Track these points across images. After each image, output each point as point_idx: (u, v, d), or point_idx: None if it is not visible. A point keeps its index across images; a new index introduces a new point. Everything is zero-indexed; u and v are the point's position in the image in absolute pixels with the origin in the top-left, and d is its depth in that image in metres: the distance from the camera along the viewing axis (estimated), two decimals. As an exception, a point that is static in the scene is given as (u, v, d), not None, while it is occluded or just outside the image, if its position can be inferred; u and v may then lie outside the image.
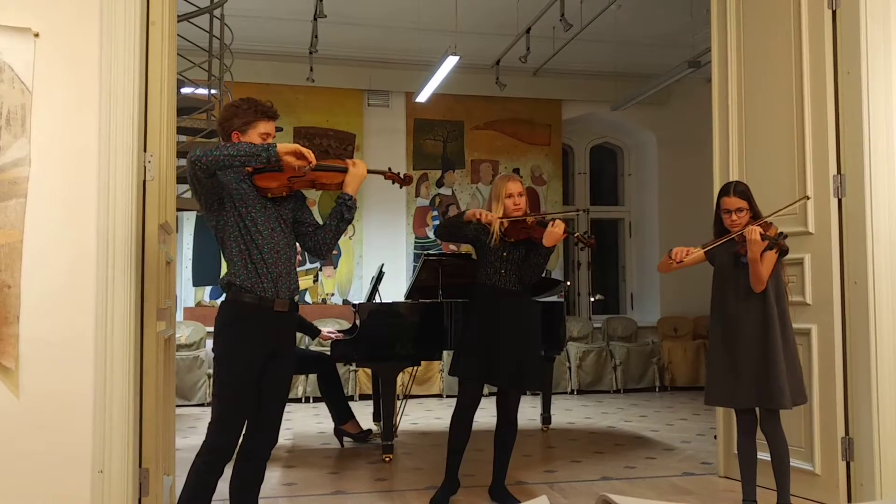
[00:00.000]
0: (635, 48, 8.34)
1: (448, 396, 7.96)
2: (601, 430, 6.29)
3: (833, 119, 3.85)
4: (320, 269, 8.52)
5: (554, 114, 9.26)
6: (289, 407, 4.02)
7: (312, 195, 7.82)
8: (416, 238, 8.82)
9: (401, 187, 3.31)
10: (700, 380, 8.41)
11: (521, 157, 9.14)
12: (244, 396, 2.82)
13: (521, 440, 4.25)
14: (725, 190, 3.52)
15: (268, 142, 2.87)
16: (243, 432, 2.90)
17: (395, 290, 7.07)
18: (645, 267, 9.71)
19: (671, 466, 4.84)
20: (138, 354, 3.05)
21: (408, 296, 5.54)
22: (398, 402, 5.65)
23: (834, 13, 3.87)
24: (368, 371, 7.38)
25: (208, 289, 8.35)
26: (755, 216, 3.45)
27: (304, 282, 8.39)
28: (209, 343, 7.79)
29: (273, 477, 4.43)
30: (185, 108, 5.59)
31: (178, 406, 5.08)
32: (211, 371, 7.42)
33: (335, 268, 8.59)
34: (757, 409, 3.45)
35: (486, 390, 4.07)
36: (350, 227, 3.30)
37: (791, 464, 3.45)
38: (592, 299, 9.54)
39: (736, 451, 3.59)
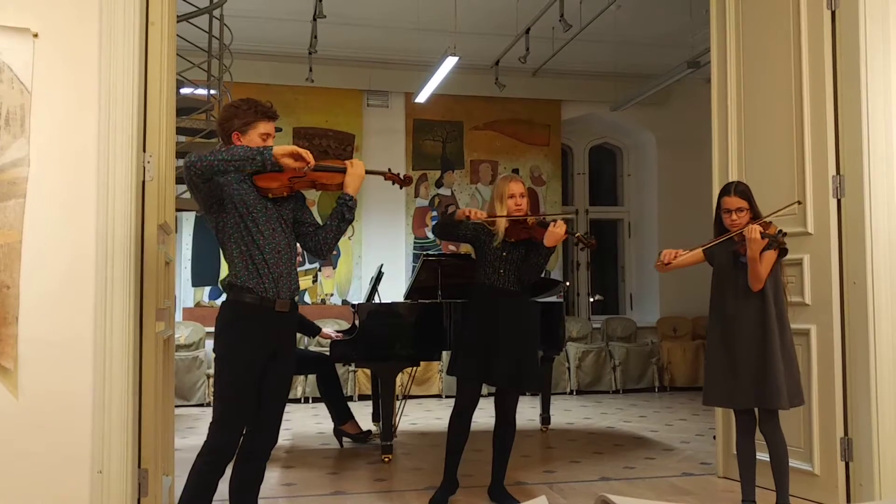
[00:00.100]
0: (635, 48, 8.34)
1: (447, 397, 7.96)
2: (600, 430, 6.29)
3: (832, 120, 3.85)
4: (319, 270, 8.52)
5: (553, 114, 9.26)
6: (288, 407, 4.02)
7: (312, 195, 7.81)
8: (415, 238, 8.82)
9: (400, 188, 3.31)
10: (699, 380, 8.39)
11: (521, 157, 9.14)
12: (245, 396, 2.82)
13: (520, 440, 4.25)
14: (726, 189, 3.53)
15: (268, 142, 2.87)
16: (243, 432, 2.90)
17: (394, 291, 7.06)
18: (644, 267, 9.70)
19: (670, 467, 4.83)
20: (137, 355, 3.05)
21: (407, 296, 5.53)
22: (397, 403, 5.65)
23: (833, 14, 3.87)
24: (368, 371, 7.38)
25: (207, 289, 8.35)
26: (755, 216, 3.45)
27: (304, 282, 8.38)
28: (208, 343, 7.79)
29: (272, 477, 4.43)
30: (185, 108, 5.60)
31: (177, 406, 5.07)
32: (210, 371, 7.42)
33: (334, 268, 8.59)
34: (756, 410, 3.45)
35: (484, 390, 4.07)
36: (350, 227, 3.30)
37: (790, 464, 3.44)
38: (592, 299, 9.53)
39: (735, 452, 3.59)
